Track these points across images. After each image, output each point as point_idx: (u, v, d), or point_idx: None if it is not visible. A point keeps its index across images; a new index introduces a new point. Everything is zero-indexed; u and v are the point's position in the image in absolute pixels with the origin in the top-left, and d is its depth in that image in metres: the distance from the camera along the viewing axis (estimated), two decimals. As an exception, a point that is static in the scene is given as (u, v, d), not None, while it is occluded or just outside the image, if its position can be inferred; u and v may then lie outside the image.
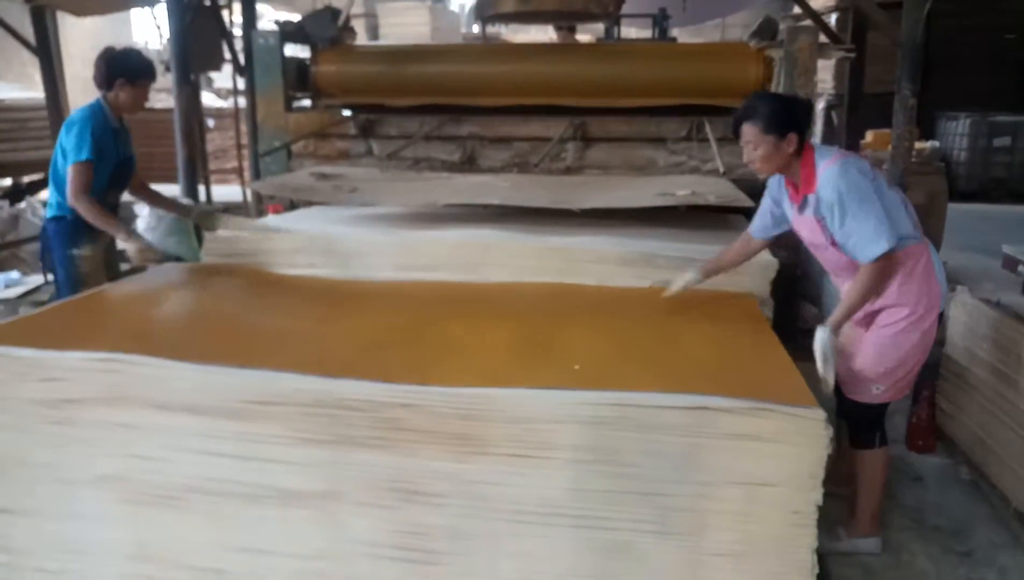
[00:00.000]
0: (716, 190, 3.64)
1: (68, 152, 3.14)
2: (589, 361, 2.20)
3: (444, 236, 3.28)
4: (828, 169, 2.43)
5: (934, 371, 3.36)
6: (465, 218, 3.60)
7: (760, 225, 2.78)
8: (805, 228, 2.60)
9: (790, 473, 1.89)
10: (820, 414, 1.87)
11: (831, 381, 2.36)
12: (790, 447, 1.88)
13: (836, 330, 2.42)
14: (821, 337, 2.38)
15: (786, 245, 3.11)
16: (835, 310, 2.50)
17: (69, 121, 3.21)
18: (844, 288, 2.65)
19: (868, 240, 2.37)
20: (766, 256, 2.97)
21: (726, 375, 2.10)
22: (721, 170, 4.07)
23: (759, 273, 2.97)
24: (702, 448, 1.91)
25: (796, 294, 3.48)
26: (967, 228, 6.67)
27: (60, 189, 3.25)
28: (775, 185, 2.69)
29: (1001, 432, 2.91)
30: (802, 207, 2.55)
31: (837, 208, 2.39)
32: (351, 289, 3.04)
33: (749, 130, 2.48)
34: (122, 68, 3.24)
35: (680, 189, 3.63)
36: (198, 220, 3.62)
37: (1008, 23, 11.09)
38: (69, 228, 3.28)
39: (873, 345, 2.56)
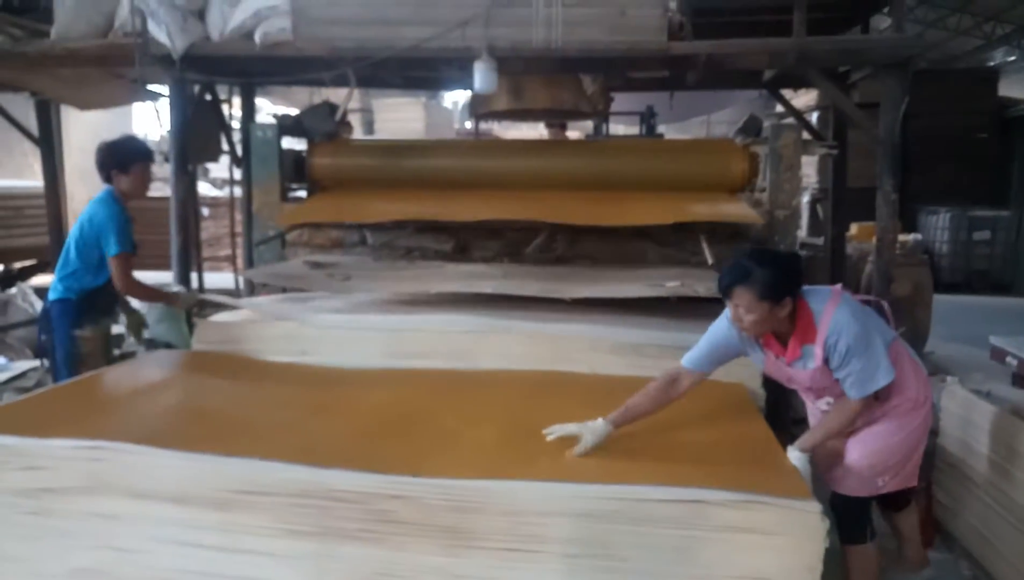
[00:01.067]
0: (705, 281, 3.68)
1: (108, 245, 3.28)
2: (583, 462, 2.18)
3: (435, 323, 3.29)
4: (836, 318, 2.33)
5: (929, 463, 3.33)
6: (457, 306, 3.61)
7: (702, 360, 2.49)
8: (792, 375, 2.50)
9: (787, 566, 1.86)
10: (816, 507, 1.85)
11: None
12: (786, 540, 1.85)
13: (808, 451, 2.37)
14: (796, 460, 2.28)
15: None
16: (809, 433, 2.46)
17: (94, 215, 3.32)
18: (812, 406, 2.68)
19: (868, 379, 2.33)
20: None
21: (719, 466, 2.08)
22: (709, 262, 4.13)
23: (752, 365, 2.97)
24: (697, 541, 1.88)
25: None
26: (952, 319, 6.74)
27: (70, 275, 3.36)
28: (736, 334, 2.47)
29: (1001, 527, 2.86)
30: (799, 359, 2.43)
31: (847, 354, 2.31)
32: (342, 377, 3.03)
33: (742, 294, 2.31)
34: (117, 157, 3.39)
35: (669, 281, 3.67)
36: (185, 305, 3.75)
37: (981, 123, 11.54)
38: (74, 309, 3.36)
39: (878, 437, 2.51)
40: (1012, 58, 17.61)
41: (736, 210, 4.11)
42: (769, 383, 2.95)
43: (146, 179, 3.50)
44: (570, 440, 2.25)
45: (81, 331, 3.39)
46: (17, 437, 2.12)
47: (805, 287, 2.42)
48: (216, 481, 2.00)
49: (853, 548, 2.59)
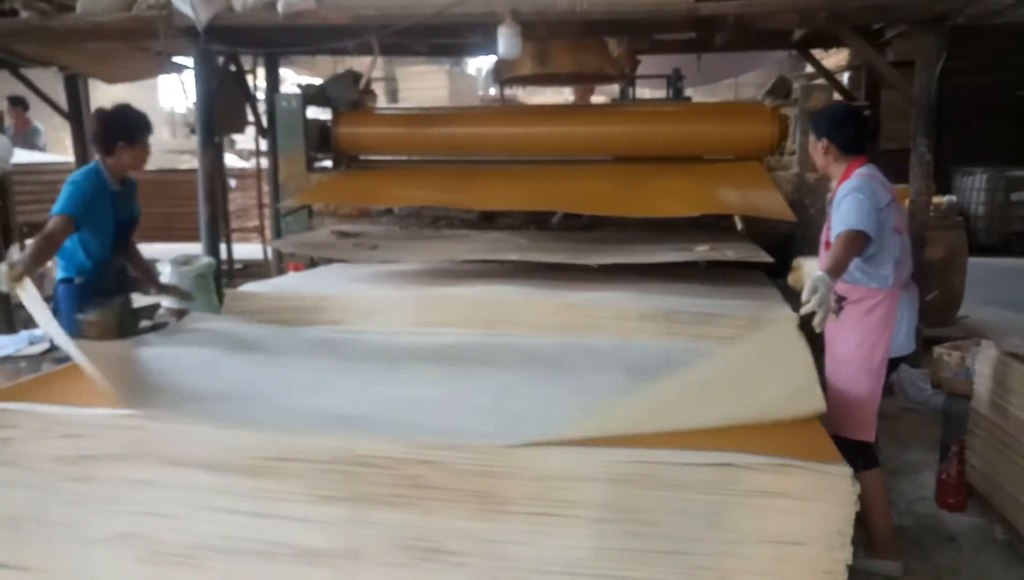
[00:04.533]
0: (734, 245, 3.65)
1: (56, 204, 3.10)
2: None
3: (460, 293, 3.29)
4: (852, 178, 2.72)
5: (962, 426, 3.29)
6: (484, 275, 3.62)
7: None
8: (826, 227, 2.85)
9: (818, 531, 1.85)
10: (847, 471, 1.83)
11: (822, 320, 2.41)
12: (817, 504, 1.84)
13: (832, 274, 2.51)
14: (818, 275, 2.42)
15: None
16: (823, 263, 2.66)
17: (65, 183, 3.18)
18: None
19: (847, 220, 2.61)
20: (786, 309, 2.96)
21: (750, 430, 2.07)
22: (739, 227, 4.08)
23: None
24: (727, 506, 1.87)
25: (817, 350, 3.45)
26: (988, 282, 6.59)
27: (65, 253, 3.23)
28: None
29: (1036, 490, 2.83)
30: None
31: (839, 198, 2.69)
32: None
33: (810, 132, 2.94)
34: (120, 130, 3.19)
35: (699, 245, 3.64)
36: (174, 297, 3.72)
37: (1020, 79, 11.19)
38: (76, 292, 3.24)
39: (828, 377, 2.76)
40: (1054, 12, 17.01)
41: (769, 203, 3.90)
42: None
43: (138, 155, 3.28)
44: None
45: (85, 316, 3.17)
46: (56, 406, 2.17)
47: (871, 166, 2.78)
48: (249, 449, 2.03)
49: None
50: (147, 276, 3.69)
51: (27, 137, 7.82)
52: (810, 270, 2.95)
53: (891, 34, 5.03)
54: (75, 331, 3.11)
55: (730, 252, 3.48)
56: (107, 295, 3.26)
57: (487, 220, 4.54)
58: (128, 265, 3.55)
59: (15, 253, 6.38)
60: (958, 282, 5.42)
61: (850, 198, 2.66)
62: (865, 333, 2.72)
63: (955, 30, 4.44)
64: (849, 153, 2.80)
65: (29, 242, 7.20)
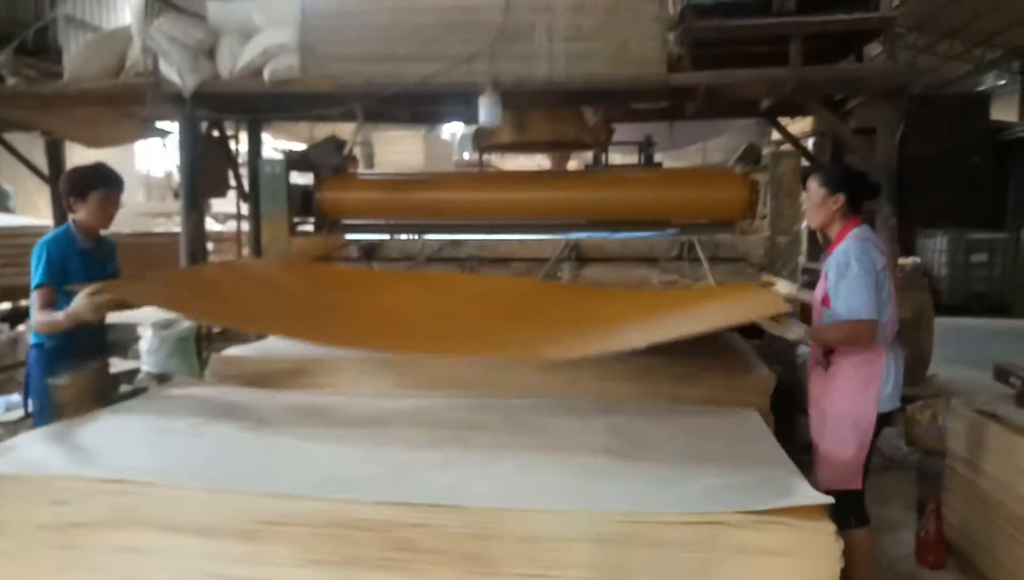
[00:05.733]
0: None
1: (33, 276, 3.07)
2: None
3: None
4: (850, 239, 2.81)
5: (938, 483, 3.36)
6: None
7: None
8: (821, 280, 2.94)
9: (803, 587, 1.89)
10: (830, 527, 1.88)
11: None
12: (801, 560, 1.89)
13: (802, 340, 2.74)
14: (797, 332, 2.66)
15: (782, 361, 3.18)
16: (817, 330, 2.83)
17: (34, 247, 3.13)
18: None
19: (855, 305, 2.70)
20: (764, 370, 3.04)
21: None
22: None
23: (758, 387, 3.02)
24: (713, 563, 1.91)
25: (795, 409, 3.52)
26: (953, 341, 6.77)
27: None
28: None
29: (1012, 547, 2.88)
30: (826, 261, 2.92)
31: (843, 271, 2.75)
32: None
33: (811, 182, 2.95)
34: (69, 187, 3.17)
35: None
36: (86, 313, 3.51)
37: (975, 146, 11.68)
38: (46, 356, 3.16)
39: (819, 433, 2.88)
40: (1003, 82, 17.86)
41: (758, 309, 2.97)
42: (778, 407, 3.00)
43: (107, 208, 3.22)
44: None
45: (55, 379, 3.07)
46: (45, 471, 2.15)
47: (866, 226, 2.89)
48: (240, 512, 2.03)
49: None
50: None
51: (-4, 199, 7.81)
52: (783, 289, 3.12)
53: (853, 103, 5.27)
54: (44, 395, 3.09)
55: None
56: (81, 358, 3.18)
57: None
58: (104, 327, 3.45)
59: None
60: (926, 342, 5.57)
61: (857, 272, 2.71)
62: (856, 389, 2.80)
63: (912, 99, 4.68)
64: (854, 211, 2.90)
65: (1, 307, 7.14)
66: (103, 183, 3.21)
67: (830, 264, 2.84)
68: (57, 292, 3.08)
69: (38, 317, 3.04)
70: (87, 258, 3.22)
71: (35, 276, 3.06)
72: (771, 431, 2.82)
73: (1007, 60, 17.28)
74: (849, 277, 2.72)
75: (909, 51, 15.32)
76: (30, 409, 3.29)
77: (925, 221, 11.03)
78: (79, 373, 3.15)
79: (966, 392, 3.75)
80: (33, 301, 3.05)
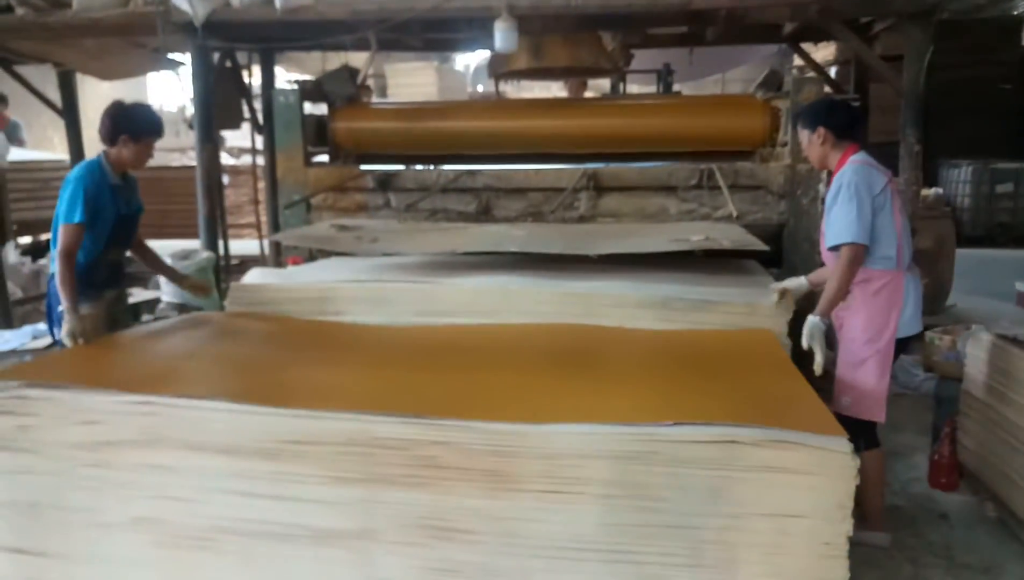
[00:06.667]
0: (730, 235, 3.71)
1: (61, 210, 3.07)
2: (617, 398, 2.23)
3: (464, 283, 3.34)
4: (846, 166, 2.82)
5: (954, 408, 3.37)
6: (483, 266, 3.67)
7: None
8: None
9: (819, 505, 1.91)
10: (846, 446, 1.90)
11: (820, 362, 2.67)
12: (818, 479, 1.91)
13: (824, 316, 2.72)
14: (810, 322, 2.70)
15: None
16: (820, 300, 2.78)
17: (66, 180, 3.14)
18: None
19: (839, 228, 2.74)
20: (785, 299, 3.04)
21: (752, 407, 2.13)
22: (734, 215, 4.15)
23: (778, 314, 3.02)
24: (731, 481, 1.94)
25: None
26: (975, 273, 6.71)
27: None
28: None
29: (1025, 468, 2.91)
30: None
31: (834, 195, 2.79)
32: (378, 335, 3.09)
33: (799, 128, 3.01)
34: (126, 124, 3.16)
35: (694, 235, 3.70)
36: (189, 289, 3.58)
37: (1004, 73, 11.33)
38: None
39: (839, 357, 2.88)
40: (1035, 6, 17.21)
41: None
42: (796, 331, 3.00)
43: (150, 152, 3.26)
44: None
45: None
46: (75, 391, 2.20)
47: (864, 153, 2.88)
48: (264, 432, 2.07)
49: None
50: (162, 268, 3.66)
51: (8, 132, 7.80)
52: (795, 288, 3.06)
53: (879, 28, 5.11)
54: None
55: (726, 241, 3.55)
56: (99, 289, 3.22)
57: (485, 212, 4.59)
58: (123, 260, 3.47)
59: (11, 254, 6.39)
60: (946, 271, 5.52)
61: (844, 198, 2.74)
62: (872, 314, 2.81)
63: (940, 25, 4.52)
64: (844, 139, 2.90)
65: (23, 241, 7.22)
66: (157, 130, 3.23)
67: (828, 197, 2.87)
68: (85, 229, 3.09)
69: (64, 264, 3.00)
70: (116, 193, 3.22)
71: (69, 212, 3.03)
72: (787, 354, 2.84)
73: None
74: (839, 202, 2.76)
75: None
76: (56, 336, 3.30)
77: (950, 151, 10.80)
78: (97, 303, 3.20)
79: (986, 321, 3.71)
80: (60, 235, 3.03)
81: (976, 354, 3.26)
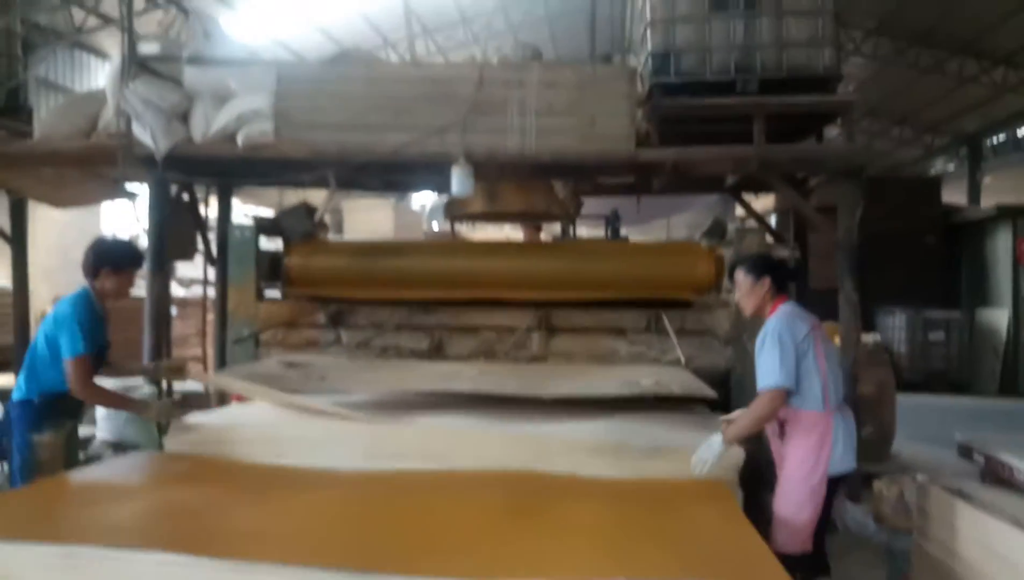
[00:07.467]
0: (679, 379, 3.75)
1: (63, 346, 3.13)
2: (568, 552, 2.16)
3: (414, 423, 3.28)
4: (774, 316, 3.05)
5: (906, 561, 3.34)
6: (433, 406, 3.61)
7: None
8: None
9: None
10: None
11: (699, 473, 2.80)
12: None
13: (728, 443, 2.85)
14: (715, 441, 2.83)
15: (751, 436, 3.17)
16: (732, 426, 2.92)
17: (59, 313, 3.20)
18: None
19: (766, 372, 2.93)
20: (734, 447, 3.03)
21: (702, 564, 2.08)
22: (681, 360, 4.21)
23: (728, 463, 3.00)
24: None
25: (762, 485, 3.51)
26: (914, 419, 6.84)
27: (34, 374, 3.21)
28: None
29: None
30: None
31: (761, 342, 2.99)
32: (320, 479, 2.98)
33: (738, 272, 3.20)
34: (108, 257, 3.29)
35: (644, 379, 3.73)
36: (166, 374, 3.72)
37: (928, 227, 12.10)
38: (34, 412, 3.19)
39: (777, 494, 3.02)
40: (951, 168, 18.68)
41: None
42: (746, 480, 2.99)
43: (131, 284, 3.42)
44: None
45: (40, 436, 3.18)
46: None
47: (794, 303, 3.14)
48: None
49: None
50: (131, 368, 3.79)
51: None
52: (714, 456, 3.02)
53: (814, 182, 5.43)
54: (27, 451, 3.16)
55: (675, 387, 3.58)
56: (61, 417, 3.25)
57: (437, 350, 4.58)
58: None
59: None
60: (889, 417, 5.62)
61: (769, 345, 2.96)
62: (805, 453, 2.97)
63: (868, 181, 4.83)
64: (779, 291, 3.16)
65: None
66: (137, 261, 3.44)
67: (757, 344, 3.05)
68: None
69: (94, 391, 3.22)
70: (103, 324, 3.35)
71: (73, 345, 3.12)
72: (739, 505, 2.81)
73: (954, 146, 18.09)
74: (764, 350, 2.97)
75: (864, 135, 15.96)
76: (5, 469, 3.42)
77: (884, 298, 11.30)
78: (59, 432, 3.24)
79: (930, 470, 3.75)
80: (71, 371, 3.12)
81: (924, 508, 3.26)
